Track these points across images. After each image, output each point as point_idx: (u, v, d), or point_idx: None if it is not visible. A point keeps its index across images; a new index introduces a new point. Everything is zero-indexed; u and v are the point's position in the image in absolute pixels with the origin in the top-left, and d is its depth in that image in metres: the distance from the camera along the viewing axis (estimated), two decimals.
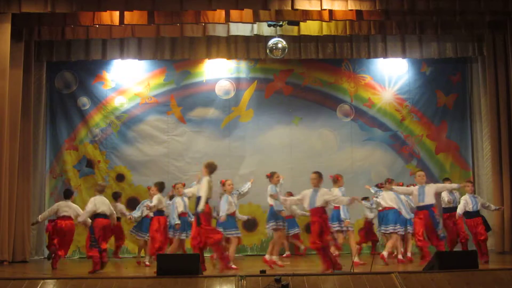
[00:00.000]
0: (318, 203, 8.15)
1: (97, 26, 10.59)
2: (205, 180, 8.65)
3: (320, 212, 8.16)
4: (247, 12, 10.27)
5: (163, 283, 6.67)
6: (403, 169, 12.59)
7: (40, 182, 12.04)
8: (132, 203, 11.66)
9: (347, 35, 11.32)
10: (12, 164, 10.60)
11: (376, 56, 12.25)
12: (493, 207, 10.18)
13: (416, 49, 12.11)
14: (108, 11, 10.20)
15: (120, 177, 12.38)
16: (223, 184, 9.51)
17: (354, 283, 6.67)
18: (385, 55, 12.17)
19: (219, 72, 12.80)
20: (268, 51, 11.23)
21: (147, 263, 10.03)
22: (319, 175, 8.36)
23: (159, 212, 9.71)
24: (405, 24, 11.18)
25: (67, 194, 9.85)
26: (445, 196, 10.25)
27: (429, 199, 9.34)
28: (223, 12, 10.25)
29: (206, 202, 8.57)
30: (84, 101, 12.58)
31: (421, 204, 9.34)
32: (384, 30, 11.29)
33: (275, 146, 12.64)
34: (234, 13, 10.23)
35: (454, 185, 10.00)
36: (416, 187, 9.51)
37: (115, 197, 10.51)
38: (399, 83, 12.90)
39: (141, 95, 12.69)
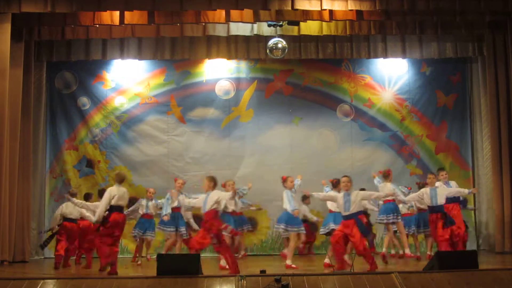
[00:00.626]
0: (208, 206, 8.19)
1: (97, 26, 10.57)
2: (108, 190, 8.62)
3: (211, 215, 8.16)
4: (247, 12, 10.27)
5: (163, 283, 6.67)
6: (403, 169, 12.59)
7: (40, 182, 12.04)
8: (132, 204, 11.61)
9: (347, 35, 11.30)
10: (12, 164, 10.59)
11: (376, 56, 12.23)
12: (466, 191, 9.59)
13: (416, 49, 12.09)
14: (108, 11, 10.18)
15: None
16: (284, 180, 9.57)
17: (354, 283, 6.66)
18: (385, 55, 12.15)
19: (219, 72, 12.79)
20: (268, 51, 11.22)
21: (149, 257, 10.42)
22: (209, 180, 8.32)
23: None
24: (405, 24, 11.17)
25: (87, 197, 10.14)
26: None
27: (356, 207, 8.24)
28: (223, 12, 10.24)
29: (112, 212, 8.43)
30: (84, 101, 12.58)
31: (347, 213, 8.25)
32: (384, 30, 11.28)
33: (275, 146, 12.63)
34: (234, 13, 10.22)
35: (381, 194, 9.24)
36: (341, 194, 8.40)
37: None
38: (399, 83, 12.89)
39: (141, 95, 12.69)
